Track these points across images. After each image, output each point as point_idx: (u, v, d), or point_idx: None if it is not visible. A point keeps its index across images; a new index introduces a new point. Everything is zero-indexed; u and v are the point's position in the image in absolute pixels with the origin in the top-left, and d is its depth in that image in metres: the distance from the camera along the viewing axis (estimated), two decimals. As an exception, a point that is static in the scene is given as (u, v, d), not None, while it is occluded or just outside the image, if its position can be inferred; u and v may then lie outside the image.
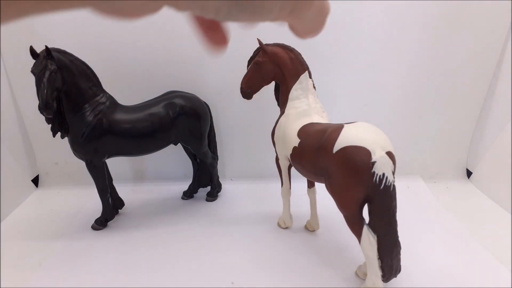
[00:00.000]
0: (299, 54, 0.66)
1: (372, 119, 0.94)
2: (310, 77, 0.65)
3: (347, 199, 0.50)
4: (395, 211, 0.50)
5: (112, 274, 0.62)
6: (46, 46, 0.62)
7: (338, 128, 0.51)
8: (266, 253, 0.66)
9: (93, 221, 0.76)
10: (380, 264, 0.50)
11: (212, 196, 0.87)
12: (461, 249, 0.68)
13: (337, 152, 0.48)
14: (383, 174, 0.46)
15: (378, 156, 0.46)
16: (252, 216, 0.79)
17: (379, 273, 0.50)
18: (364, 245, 0.50)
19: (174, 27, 0.81)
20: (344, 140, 0.48)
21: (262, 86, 0.68)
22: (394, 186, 0.48)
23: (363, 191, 0.48)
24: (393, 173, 0.48)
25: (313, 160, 0.54)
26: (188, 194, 0.89)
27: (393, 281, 0.59)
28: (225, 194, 0.89)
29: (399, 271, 0.53)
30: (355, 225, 0.51)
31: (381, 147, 0.46)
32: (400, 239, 0.70)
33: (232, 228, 0.75)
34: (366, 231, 0.50)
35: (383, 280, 0.51)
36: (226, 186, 0.92)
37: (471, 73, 0.88)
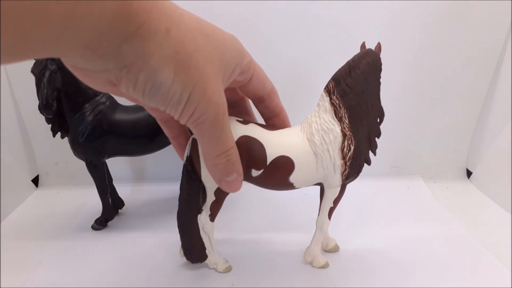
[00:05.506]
0: None
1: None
2: None
3: None
4: (181, 191, 0.56)
5: (112, 274, 0.62)
6: (46, 46, 0.62)
7: None
8: (266, 254, 0.66)
9: (93, 221, 0.76)
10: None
11: None
12: (461, 249, 0.68)
13: None
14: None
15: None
16: (252, 216, 0.79)
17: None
18: None
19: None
20: None
21: None
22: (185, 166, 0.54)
23: None
24: (189, 158, 0.52)
25: None
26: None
27: (393, 281, 0.59)
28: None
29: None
30: None
31: None
32: (400, 239, 0.70)
33: (232, 227, 0.75)
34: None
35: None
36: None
37: (471, 73, 0.88)
